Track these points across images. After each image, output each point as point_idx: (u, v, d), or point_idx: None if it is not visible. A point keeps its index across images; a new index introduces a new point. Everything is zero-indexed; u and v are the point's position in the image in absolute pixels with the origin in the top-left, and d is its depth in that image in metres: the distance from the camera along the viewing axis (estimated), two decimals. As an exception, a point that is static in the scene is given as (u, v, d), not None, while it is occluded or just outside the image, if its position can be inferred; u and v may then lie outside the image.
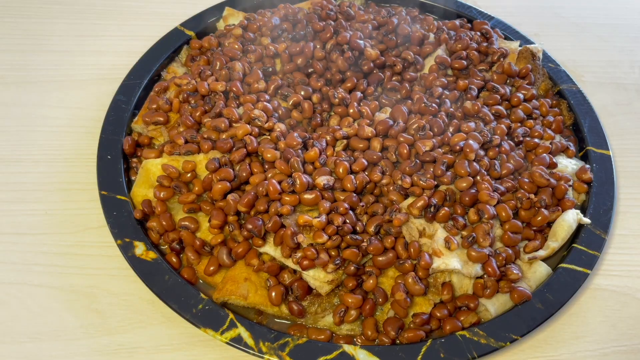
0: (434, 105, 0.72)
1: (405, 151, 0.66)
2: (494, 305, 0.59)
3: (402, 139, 0.67)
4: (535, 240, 0.64)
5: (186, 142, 0.68)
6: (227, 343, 0.55)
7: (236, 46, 0.78)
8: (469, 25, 0.87)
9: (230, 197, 0.62)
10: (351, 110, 0.71)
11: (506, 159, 0.68)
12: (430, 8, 0.93)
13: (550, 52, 0.87)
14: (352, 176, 0.63)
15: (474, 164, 0.65)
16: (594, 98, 0.83)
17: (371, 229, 0.61)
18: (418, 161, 0.65)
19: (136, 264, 0.60)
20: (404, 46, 0.81)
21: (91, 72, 0.83)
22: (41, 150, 0.73)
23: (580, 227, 0.66)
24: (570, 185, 0.68)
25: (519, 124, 0.74)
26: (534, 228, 0.65)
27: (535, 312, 0.59)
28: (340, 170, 0.64)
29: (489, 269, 0.59)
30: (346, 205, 0.61)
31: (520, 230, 0.63)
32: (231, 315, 0.57)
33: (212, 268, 0.60)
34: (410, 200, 0.63)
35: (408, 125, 0.69)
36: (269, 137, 0.68)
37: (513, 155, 0.69)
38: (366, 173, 0.65)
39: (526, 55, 0.82)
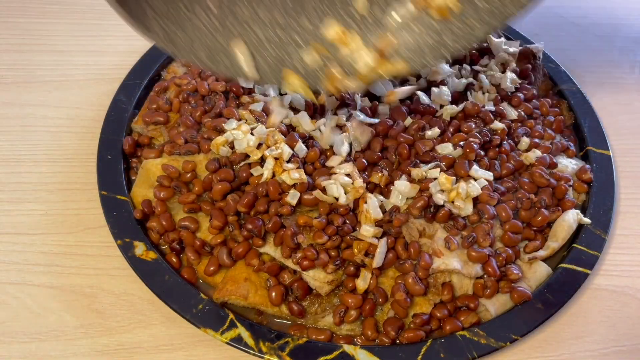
0: (433, 105, 0.71)
1: (405, 151, 0.66)
2: (494, 306, 0.59)
3: (402, 139, 0.67)
4: (536, 241, 0.64)
5: (186, 142, 0.68)
6: (227, 343, 0.55)
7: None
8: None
9: (229, 197, 0.62)
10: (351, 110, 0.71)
11: (506, 159, 0.68)
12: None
13: (550, 52, 0.87)
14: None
15: (474, 164, 0.65)
16: (594, 98, 0.83)
17: (371, 229, 0.61)
18: (418, 161, 0.65)
19: (136, 264, 0.60)
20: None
21: (91, 72, 0.83)
22: (41, 150, 0.73)
23: (580, 227, 0.66)
24: (570, 186, 0.68)
25: (519, 124, 0.74)
26: (534, 228, 0.65)
27: (535, 312, 0.59)
28: (340, 171, 0.64)
29: (489, 269, 0.59)
30: (346, 204, 0.61)
31: (520, 231, 0.63)
32: (231, 315, 0.57)
33: (212, 268, 0.60)
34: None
35: (408, 125, 0.69)
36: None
37: (513, 156, 0.69)
38: (366, 173, 0.65)
39: (526, 55, 0.82)
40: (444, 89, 0.72)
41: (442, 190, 0.62)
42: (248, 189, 0.63)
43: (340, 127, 0.68)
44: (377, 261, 0.58)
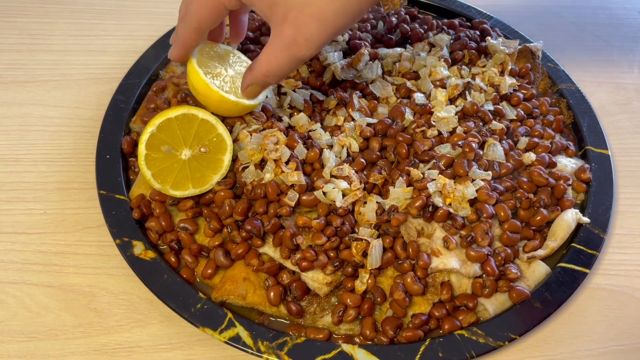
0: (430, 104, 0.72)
1: (404, 150, 0.66)
2: (492, 305, 0.59)
3: (400, 139, 0.67)
4: (534, 240, 0.64)
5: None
6: (226, 342, 0.55)
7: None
8: (468, 24, 0.87)
9: (226, 202, 0.62)
10: (350, 110, 0.71)
11: (505, 158, 0.68)
12: (430, 7, 0.93)
13: (549, 51, 0.87)
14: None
15: (473, 163, 0.65)
16: (592, 97, 0.83)
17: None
18: (417, 160, 0.65)
19: (135, 263, 0.59)
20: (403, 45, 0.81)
21: (90, 72, 0.83)
22: (40, 150, 0.73)
23: (579, 226, 0.66)
24: (569, 185, 0.68)
25: (518, 123, 0.74)
26: (533, 227, 0.65)
27: (533, 311, 0.59)
28: (339, 170, 0.64)
29: (488, 269, 0.59)
30: (345, 206, 0.61)
31: (519, 230, 0.63)
32: (229, 315, 0.57)
33: (209, 271, 0.60)
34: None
35: (407, 125, 0.69)
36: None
37: (512, 155, 0.69)
38: (365, 173, 0.65)
39: (525, 54, 0.82)
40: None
41: (440, 192, 0.62)
42: (244, 194, 0.63)
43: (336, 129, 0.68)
44: (372, 262, 0.58)
